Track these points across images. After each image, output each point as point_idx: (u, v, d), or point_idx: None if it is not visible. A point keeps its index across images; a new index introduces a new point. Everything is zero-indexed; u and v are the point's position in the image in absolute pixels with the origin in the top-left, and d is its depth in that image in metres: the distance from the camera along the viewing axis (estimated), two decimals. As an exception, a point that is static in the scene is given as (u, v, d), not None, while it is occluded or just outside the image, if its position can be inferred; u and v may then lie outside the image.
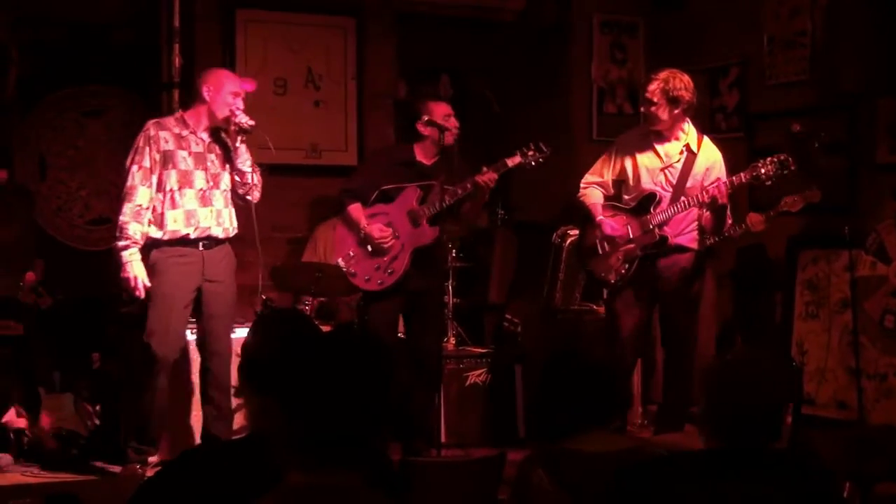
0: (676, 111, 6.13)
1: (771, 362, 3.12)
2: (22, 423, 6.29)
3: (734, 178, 6.03)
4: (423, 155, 6.51)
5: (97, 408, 6.59)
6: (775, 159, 5.96)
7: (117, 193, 7.93)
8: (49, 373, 6.88)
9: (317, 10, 8.29)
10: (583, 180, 6.48)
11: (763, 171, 5.95)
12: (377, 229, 6.40)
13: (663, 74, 6.13)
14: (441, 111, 6.46)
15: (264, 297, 6.90)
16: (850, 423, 6.64)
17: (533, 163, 6.30)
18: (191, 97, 6.09)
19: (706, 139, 6.31)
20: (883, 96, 6.98)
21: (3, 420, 6.30)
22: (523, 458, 3.50)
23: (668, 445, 3.83)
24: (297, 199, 8.13)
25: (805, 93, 7.49)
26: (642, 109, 6.26)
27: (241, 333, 6.23)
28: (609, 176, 6.40)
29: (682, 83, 6.10)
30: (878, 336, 6.81)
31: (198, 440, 6.15)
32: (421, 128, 6.45)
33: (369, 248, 6.41)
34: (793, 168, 5.97)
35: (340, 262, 6.50)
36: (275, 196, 7.98)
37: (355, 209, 6.47)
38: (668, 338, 6.51)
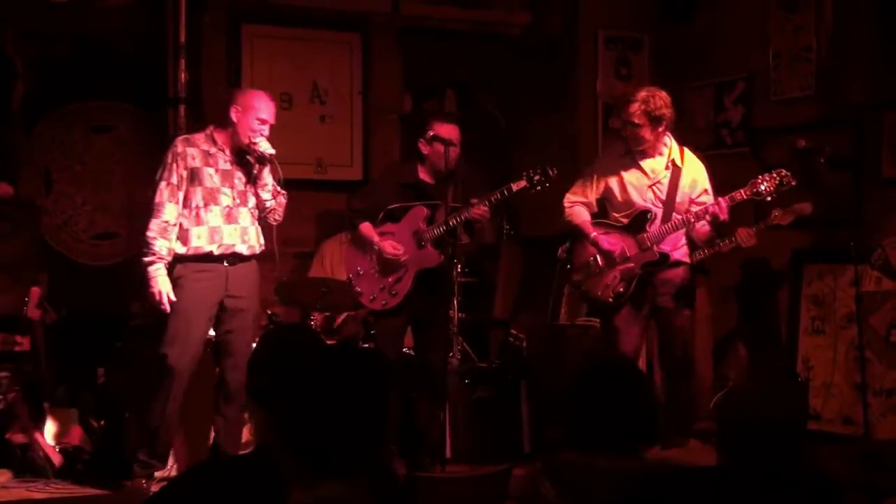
0: (660, 129, 6.14)
1: (790, 386, 3.13)
2: (27, 438, 6.29)
3: (735, 193, 6.02)
4: (426, 174, 6.49)
5: (102, 423, 6.59)
6: (775, 175, 5.96)
7: (123, 209, 8.02)
8: (54, 388, 6.87)
9: (322, 25, 8.32)
10: (566, 199, 6.41)
11: (763, 187, 5.96)
12: (390, 245, 6.39)
13: (642, 94, 6.11)
14: (445, 132, 6.40)
15: (269, 312, 6.90)
16: (856, 439, 6.62)
17: (539, 188, 6.22)
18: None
19: (688, 151, 6.31)
20: (889, 111, 6.99)
21: (7, 435, 6.30)
22: (533, 470, 3.48)
23: (674, 462, 3.81)
24: (303, 214, 8.13)
25: (810, 108, 7.49)
26: (626, 133, 6.22)
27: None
28: (593, 196, 6.39)
29: (662, 101, 6.09)
30: (884, 351, 6.80)
31: (199, 454, 6.14)
32: (422, 146, 6.44)
33: (378, 265, 6.40)
34: (793, 184, 5.97)
35: (350, 277, 6.51)
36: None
37: (366, 227, 6.47)
38: (667, 354, 6.47)
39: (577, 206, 6.40)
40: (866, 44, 7.15)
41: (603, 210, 6.45)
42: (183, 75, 7.44)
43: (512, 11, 8.93)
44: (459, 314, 7.41)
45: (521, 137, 8.83)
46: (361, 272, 6.47)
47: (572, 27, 8.70)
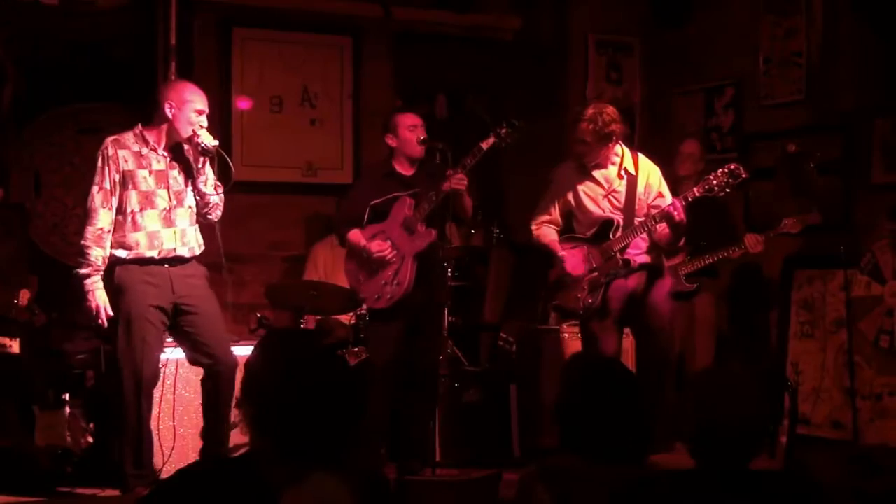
0: (610, 144, 6.21)
1: (748, 378, 3.10)
2: (15, 440, 6.28)
3: (688, 193, 6.05)
4: (401, 166, 6.53)
5: (91, 426, 6.57)
6: (726, 169, 5.97)
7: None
8: (43, 390, 6.85)
9: (313, 28, 8.31)
10: (532, 222, 6.52)
11: (715, 182, 5.97)
12: (376, 245, 6.40)
13: (590, 113, 6.13)
14: (407, 122, 6.49)
15: (259, 315, 6.89)
16: (845, 443, 6.64)
17: (509, 140, 6.26)
18: (153, 111, 5.88)
19: (641, 156, 6.37)
20: (878, 116, 7.01)
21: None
22: (526, 473, 3.46)
23: (663, 465, 3.81)
24: (294, 218, 8.14)
25: (800, 113, 7.51)
26: (577, 150, 6.26)
27: (237, 351, 6.19)
28: (556, 213, 6.48)
29: (610, 117, 6.13)
30: (873, 356, 6.82)
31: (190, 458, 6.11)
32: (390, 140, 6.50)
33: (375, 266, 6.40)
34: (744, 176, 5.98)
35: (354, 288, 6.50)
36: (271, 214, 8.01)
37: (354, 235, 6.47)
38: (645, 358, 6.49)
39: (544, 226, 6.49)
40: (857, 49, 7.17)
41: (569, 224, 6.51)
42: (173, 78, 7.43)
43: (503, 16, 8.94)
44: (450, 318, 7.41)
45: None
46: (362, 279, 6.47)
47: (563, 32, 8.71)
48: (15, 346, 6.73)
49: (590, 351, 6.28)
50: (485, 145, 6.24)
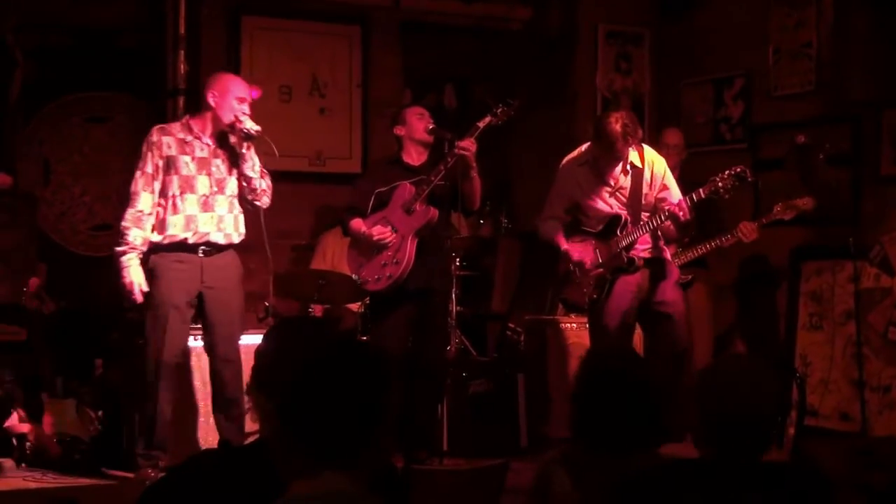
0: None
1: (759, 370, 3.09)
2: (25, 428, 6.29)
3: (693, 194, 6.05)
4: (409, 157, 6.58)
5: (99, 414, 6.59)
6: (732, 172, 5.99)
7: (120, 199, 8.02)
8: (52, 378, 6.87)
9: (322, 18, 8.31)
10: (538, 218, 6.59)
11: (721, 184, 5.99)
12: (377, 230, 6.43)
13: (617, 130, 6.04)
14: (415, 111, 6.65)
15: (266, 304, 6.90)
16: (853, 435, 6.64)
17: (505, 118, 6.37)
18: (198, 102, 6.07)
19: (646, 148, 6.38)
20: (888, 108, 6.99)
21: (6, 425, 6.31)
22: (547, 458, 3.46)
23: (673, 455, 3.80)
24: (302, 207, 8.13)
25: (810, 104, 7.49)
26: (601, 162, 6.27)
27: (246, 340, 6.20)
28: (561, 210, 6.54)
29: (634, 123, 6.13)
30: (882, 348, 6.81)
31: (204, 447, 6.13)
32: (398, 130, 6.61)
33: (376, 251, 6.42)
34: (750, 179, 5.99)
35: (355, 277, 6.52)
36: (279, 203, 7.96)
37: (356, 223, 6.51)
38: (658, 349, 6.50)
39: (549, 222, 6.54)
40: (867, 41, 7.15)
41: (576, 218, 6.55)
42: (182, 66, 7.44)
43: (512, 6, 8.92)
44: (457, 308, 7.41)
45: (520, 132, 8.82)
46: (363, 264, 6.49)
47: (572, 22, 8.70)
48: (23, 334, 6.75)
49: (600, 344, 6.28)
50: (481, 124, 6.34)
